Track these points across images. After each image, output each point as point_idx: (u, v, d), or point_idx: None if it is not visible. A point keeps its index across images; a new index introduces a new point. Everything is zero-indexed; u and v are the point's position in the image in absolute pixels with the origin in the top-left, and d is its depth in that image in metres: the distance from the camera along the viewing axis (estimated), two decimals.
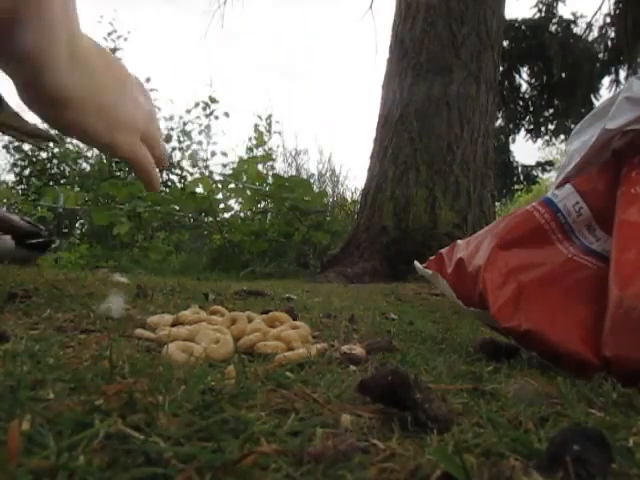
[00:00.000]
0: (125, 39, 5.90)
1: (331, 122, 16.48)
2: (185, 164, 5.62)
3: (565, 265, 0.55)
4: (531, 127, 5.87)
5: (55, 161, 5.70)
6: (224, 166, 4.68)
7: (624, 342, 0.46)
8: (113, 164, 5.37)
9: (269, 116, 5.50)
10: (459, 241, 0.66)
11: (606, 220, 0.55)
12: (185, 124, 5.71)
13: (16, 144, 5.68)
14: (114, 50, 5.83)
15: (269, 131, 5.47)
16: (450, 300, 0.64)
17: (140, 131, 0.44)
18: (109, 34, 5.83)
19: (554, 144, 6.32)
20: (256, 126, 5.41)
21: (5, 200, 4.78)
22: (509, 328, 0.54)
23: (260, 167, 4.05)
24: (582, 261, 0.55)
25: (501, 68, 4.68)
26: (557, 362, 0.50)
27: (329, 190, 5.25)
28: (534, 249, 0.57)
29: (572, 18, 5.59)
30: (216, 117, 5.62)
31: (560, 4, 5.63)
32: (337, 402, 0.31)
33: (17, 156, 5.74)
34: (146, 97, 0.46)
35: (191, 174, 5.42)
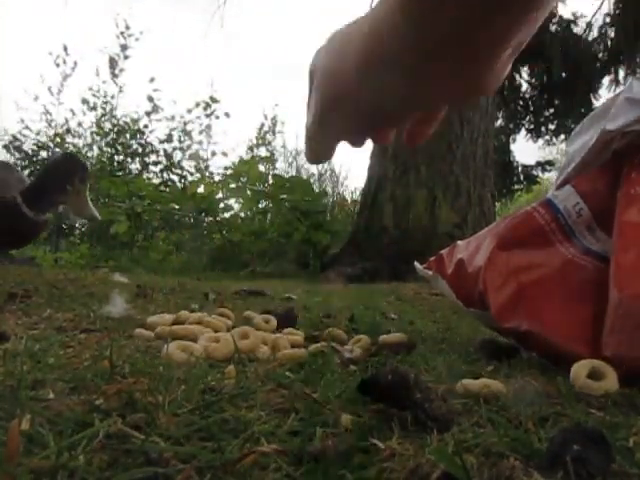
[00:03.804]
0: (137, 39, 5.87)
1: None
2: (185, 164, 5.62)
3: (565, 266, 0.55)
4: (531, 127, 5.87)
5: None
6: (225, 169, 4.72)
7: (624, 342, 0.46)
8: (114, 163, 5.37)
9: (274, 117, 5.54)
10: (459, 242, 0.66)
11: (606, 221, 0.55)
12: (186, 124, 5.71)
13: (16, 144, 5.68)
14: (124, 48, 5.79)
15: (274, 132, 5.50)
16: (450, 301, 0.64)
17: None
18: (122, 33, 5.79)
19: (554, 144, 6.32)
20: (262, 126, 5.45)
21: None
22: (509, 329, 0.54)
23: (261, 167, 4.06)
24: (582, 262, 0.55)
25: None
26: (557, 362, 0.50)
27: (329, 190, 5.25)
28: (534, 250, 0.57)
29: (572, 18, 5.59)
30: (217, 117, 5.63)
31: (560, 4, 5.63)
32: (337, 402, 0.31)
33: (17, 156, 5.74)
34: None
35: (192, 174, 5.42)
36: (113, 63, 5.75)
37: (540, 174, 5.92)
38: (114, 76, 5.76)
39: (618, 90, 0.65)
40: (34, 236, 1.87)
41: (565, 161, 0.66)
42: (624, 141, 0.58)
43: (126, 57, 5.81)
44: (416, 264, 0.70)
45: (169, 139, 5.61)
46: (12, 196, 1.75)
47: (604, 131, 0.58)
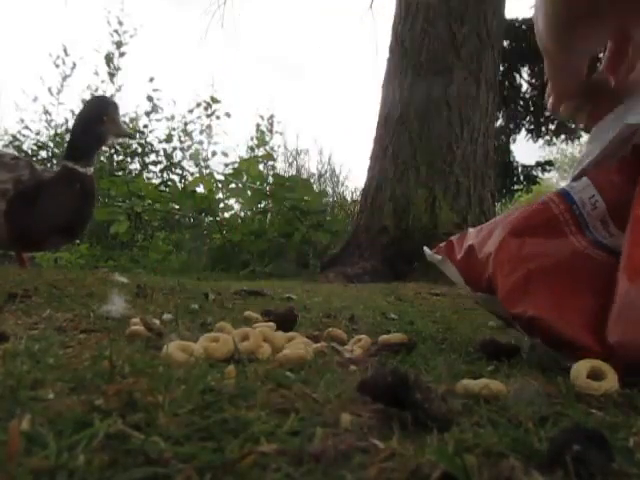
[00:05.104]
0: (131, 35, 5.83)
1: (331, 122, 16.50)
2: (186, 164, 5.62)
3: (575, 256, 0.55)
4: (532, 127, 5.86)
5: (55, 160, 5.70)
6: (225, 166, 4.68)
7: (628, 330, 0.46)
8: (114, 163, 5.37)
9: (271, 116, 5.53)
10: (470, 229, 0.66)
11: (621, 216, 0.55)
12: (187, 124, 5.71)
13: (16, 144, 5.68)
14: (118, 45, 5.77)
15: (270, 131, 5.49)
16: (458, 286, 0.64)
17: None
18: (115, 30, 5.76)
19: (554, 144, 6.31)
20: (258, 126, 5.44)
21: None
22: (515, 314, 0.54)
23: (261, 167, 4.06)
24: (592, 254, 0.55)
25: (501, 68, 4.68)
26: (560, 349, 0.51)
27: (329, 190, 5.26)
28: (546, 239, 0.57)
29: None
30: (217, 117, 5.63)
31: None
32: (337, 402, 0.31)
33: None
34: None
35: (192, 174, 5.42)
36: (109, 61, 5.73)
37: (540, 174, 5.91)
38: (111, 75, 5.74)
39: None
40: (93, 194, 1.83)
41: (584, 153, 0.65)
42: None
43: (121, 54, 5.79)
44: (425, 249, 0.70)
45: (169, 139, 5.61)
46: (63, 165, 1.74)
47: (625, 125, 0.58)
